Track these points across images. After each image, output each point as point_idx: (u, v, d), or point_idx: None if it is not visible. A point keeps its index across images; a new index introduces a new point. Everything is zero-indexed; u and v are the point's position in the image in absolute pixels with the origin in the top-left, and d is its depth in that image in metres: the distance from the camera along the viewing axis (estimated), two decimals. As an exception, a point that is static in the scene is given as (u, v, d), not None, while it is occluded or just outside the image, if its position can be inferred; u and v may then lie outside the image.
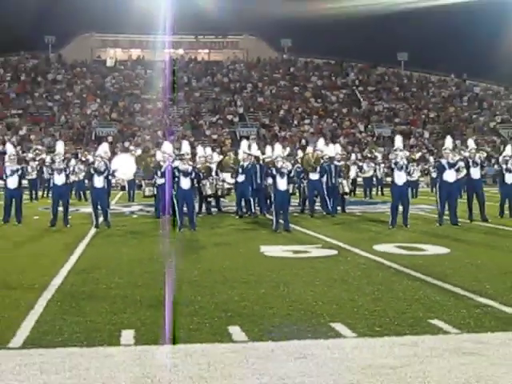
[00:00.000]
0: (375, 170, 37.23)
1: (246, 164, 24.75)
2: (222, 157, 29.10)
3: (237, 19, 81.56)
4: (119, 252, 15.48)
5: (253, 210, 24.89)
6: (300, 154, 27.85)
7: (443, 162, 21.38)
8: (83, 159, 31.72)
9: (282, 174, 19.94)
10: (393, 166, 21.33)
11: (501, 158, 24.94)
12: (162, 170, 21.06)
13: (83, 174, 23.85)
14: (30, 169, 33.46)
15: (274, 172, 20.20)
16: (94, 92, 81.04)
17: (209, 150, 29.03)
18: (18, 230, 20.22)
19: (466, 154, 23.01)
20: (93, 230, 19.47)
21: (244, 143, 27.34)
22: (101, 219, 20.66)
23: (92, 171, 20.80)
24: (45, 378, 6.28)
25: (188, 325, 8.14)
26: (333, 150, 27.02)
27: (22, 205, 22.62)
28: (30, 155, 38.79)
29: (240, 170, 24.65)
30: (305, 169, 24.42)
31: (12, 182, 21.63)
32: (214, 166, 25.91)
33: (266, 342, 7.53)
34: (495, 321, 8.53)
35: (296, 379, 6.23)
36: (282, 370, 6.48)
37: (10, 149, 23.59)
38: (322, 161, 24.75)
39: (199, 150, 27.60)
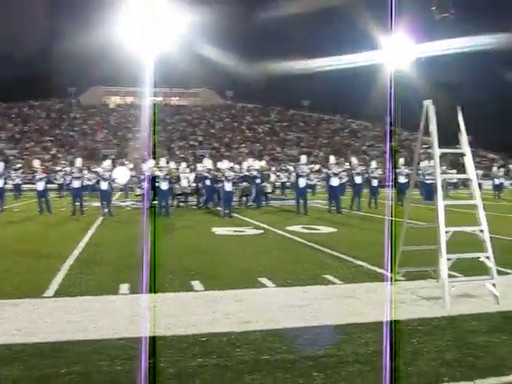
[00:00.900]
0: (288, 177, 37.60)
1: (203, 173, 24.95)
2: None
3: (198, 77, 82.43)
4: (118, 232, 15.38)
5: (208, 204, 24.98)
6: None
7: (329, 172, 21.81)
8: (94, 170, 31.59)
9: (227, 180, 20.10)
10: (299, 174, 21.64)
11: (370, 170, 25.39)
12: (148, 176, 21.16)
13: (94, 180, 24.32)
14: (57, 176, 33.54)
15: (223, 178, 20.36)
16: (101, 125, 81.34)
17: (178, 163, 29.23)
18: (49, 218, 19.94)
19: (348, 167, 23.33)
20: (100, 218, 19.30)
21: (205, 160, 27.52)
22: (105, 210, 20.57)
23: (99, 178, 21.10)
24: (68, 316, 6.26)
25: (164, 280, 8.12)
26: (260, 164, 27.43)
27: (51, 201, 22.53)
28: (58, 168, 38.87)
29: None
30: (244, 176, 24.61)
31: (40, 186, 21.89)
32: (181, 175, 26.03)
33: (216, 291, 7.55)
34: (366, 275, 8.65)
35: (236, 315, 6.27)
36: (227, 309, 6.51)
37: (35, 164, 24.13)
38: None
39: (172, 164, 27.55)
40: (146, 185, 21.47)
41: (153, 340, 5.34)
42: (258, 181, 24.98)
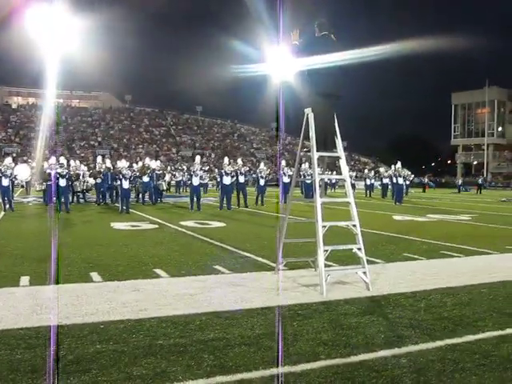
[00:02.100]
0: (183, 176, 37.48)
1: (103, 171, 24.42)
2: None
3: (98, 81, 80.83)
4: (20, 227, 14.73)
5: (106, 201, 24.49)
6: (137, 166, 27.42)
7: (223, 171, 21.93)
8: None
9: (125, 178, 19.74)
10: (191, 173, 21.65)
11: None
12: (49, 173, 20.44)
13: None
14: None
15: (121, 177, 19.95)
16: (3, 124, 77.79)
17: (78, 162, 28.36)
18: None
19: (235, 167, 23.50)
20: (2, 213, 18.41)
21: (100, 158, 26.82)
22: (7, 206, 19.68)
23: (1, 175, 20.11)
24: (-33, 308, 5.92)
25: (64, 272, 7.86)
26: (156, 164, 27.15)
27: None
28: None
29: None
30: (141, 174, 24.16)
31: None
32: (81, 172, 25.33)
33: (114, 281, 7.40)
34: (252, 266, 8.73)
35: (132, 303, 6.16)
36: (124, 299, 6.39)
37: None
38: (149, 170, 24.70)
39: (72, 162, 26.74)
40: (46, 182, 20.79)
41: (52, 329, 5.16)
42: (150, 181, 24.77)
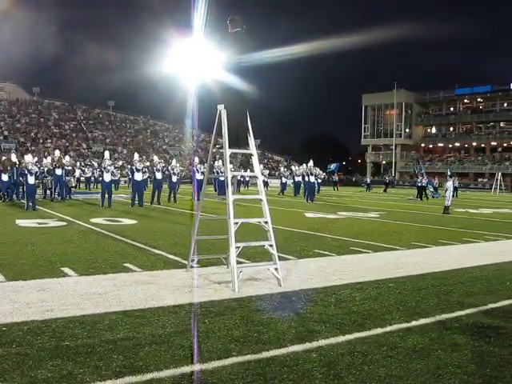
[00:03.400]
0: (93, 172, 36.68)
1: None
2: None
3: (3, 71, 77.42)
4: None
5: (12, 197, 23.55)
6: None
7: (133, 167, 21.63)
8: None
9: (31, 174, 19.05)
10: (103, 169, 21.23)
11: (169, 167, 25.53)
12: None
13: None
14: None
15: (26, 172, 19.23)
16: None
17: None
18: None
19: (148, 164, 23.27)
20: None
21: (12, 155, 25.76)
22: None
23: None
24: None
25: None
26: (65, 159, 26.40)
27: None
28: None
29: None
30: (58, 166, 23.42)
31: None
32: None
33: (18, 281, 7.10)
34: (164, 263, 8.64)
35: (38, 304, 5.94)
36: (28, 299, 6.15)
37: None
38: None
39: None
40: None
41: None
42: (62, 174, 24.00)
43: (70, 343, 4.72)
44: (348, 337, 5.05)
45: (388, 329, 5.35)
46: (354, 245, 11.22)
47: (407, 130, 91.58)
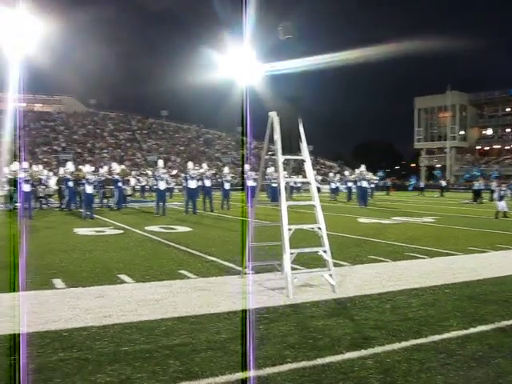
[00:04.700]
0: (148, 181, 37.26)
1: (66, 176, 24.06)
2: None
3: (61, 84, 79.93)
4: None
5: (70, 206, 24.13)
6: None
7: (187, 176, 21.84)
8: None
9: (89, 183, 19.47)
10: (156, 177, 21.55)
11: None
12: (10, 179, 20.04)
13: None
14: None
15: (84, 181, 19.67)
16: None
17: (41, 167, 27.98)
18: None
19: (202, 171, 23.47)
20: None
21: (67, 164, 26.43)
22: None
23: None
24: None
25: (26, 279, 7.69)
26: (121, 168, 27.01)
27: None
28: None
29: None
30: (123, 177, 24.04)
31: None
32: (44, 178, 24.93)
33: (78, 288, 7.28)
34: (218, 270, 8.70)
35: (96, 310, 6.07)
36: (88, 305, 6.29)
37: None
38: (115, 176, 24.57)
39: (34, 167, 26.29)
40: (8, 187, 20.38)
41: (14, 337, 5.04)
42: (119, 184, 24.48)
43: (128, 348, 4.81)
44: (404, 344, 4.97)
45: (445, 336, 5.23)
46: (408, 250, 11.04)
47: (461, 133, 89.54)
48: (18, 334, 5.12)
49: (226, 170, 26.59)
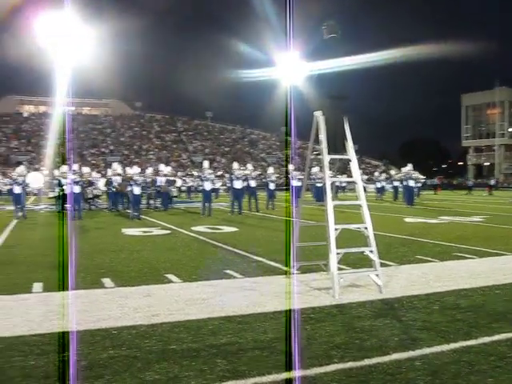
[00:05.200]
0: (193, 182, 37.61)
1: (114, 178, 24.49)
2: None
3: (108, 88, 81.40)
4: (32, 234, 14.80)
5: (118, 207, 24.56)
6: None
7: (233, 176, 21.91)
8: (8, 175, 30.64)
9: (137, 184, 19.75)
10: (202, 178, 21.70)
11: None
12: (60, 181, 20.49)
13: (9, 185, 23.54)
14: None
15: (132, 183, 19.98)
16: (15, 133, 78.44)
17: (89, 169, 28.54)
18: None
19: (247, 172, 23.51)
20: (15, 221, 18.53)
21: (114, 165, 26.89)
22: (19, 214, 19.82)
23: (13, 183, 20.33)
24: (-19, 315, 5.94)
25: (76, 278, 7.86)
26: (167, 170, 27.32)
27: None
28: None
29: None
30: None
31: None
32: (93, 179, 25.48)
33: (126, 287, 7.40)
34: (264, 270, 8.71)
35: (144, 309, 6.16)
36: (136, 304, 6.39)
37: None
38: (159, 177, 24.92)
39: (83, 169, 26.82)
40: (58, 189, 20.85)
41: (65, 335, 5.16)
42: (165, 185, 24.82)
43: (175, 347, 4.86)
44: (453, 345, 4.88)
45: (496, 338, 5.11)
46: (456, 250, 10.84)
47: (510, 130, 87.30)
48: (70, 332, 5.24)
49: (270, 170, 26.61)
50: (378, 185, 36.53)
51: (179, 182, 32.38)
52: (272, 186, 25.26)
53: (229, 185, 24.12)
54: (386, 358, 4.55)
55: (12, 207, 21.01)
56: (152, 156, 76.04)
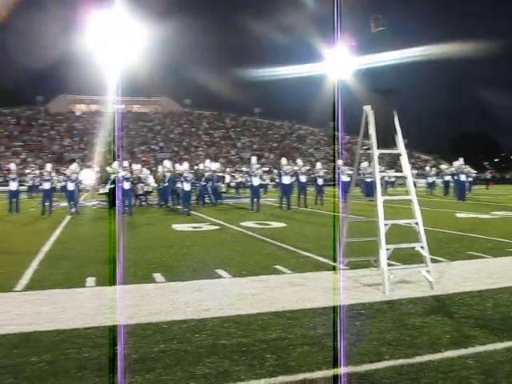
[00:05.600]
0: (242, 177, 37.79)
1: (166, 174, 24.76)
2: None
3: (157, 86, 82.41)
4: (85, 230, 15.15)
5: (168, 203, 24.87)
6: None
7: (281, 171, 21.87)
8: (62, 172, 31.45)
9: (186, 181, 19.96)
10: (250, 173, 21.76)
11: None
12: (112, 178, 20.86)
13: (62, 181, 24.12)
14: (27, 179, 32.89)
15: (182, 179, 20.21)
16: (68, 132, 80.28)
17: (140, 166, 29.03)
18: (20, 217, 19.58)
19: (296, 168, 23.44)
20: (68, 217, 18.99)
21: (165, 162, 27.19)
22: (73, 210, 20.30)
23: (67, 180, 20.84)
24: (38, 308, 6.10)
25: (128, 273, 8.00)
26: (215, 166, 27.45)
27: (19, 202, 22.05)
28: (27, 171, 38.25)
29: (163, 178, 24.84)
30: (198, 177, 24.41)
31: (13, 186, 21.72)
32: (143, 176, 25.88)
33: (177, 282, 7.48)
34: (313, 265, 8.67)
35: (195, 303, 6.21)
36: (187, 298, 6.45)
37: (12, 166, 23.10)
38: (207, 173, 25.04)
39: (134, 166, 27.26)
40: (109, 185, 21.24)
41: (117, 328, 5.26)
42: (215, 181, 25.02)
43: (225, 342, 4.89)
44: (507, 344, 4.76)
45: (552, 336, 4.97)
46: (510, 246, 10.54)
47: None
48: (122, 326, 5.34)
49: (318, 165, 26.48)
50: (430, 179, 35.89)
51: (228, 178, 32.59)
52: (320, 182, 25.14)
53: (277, 180, 24.12)
54: (438, 356, 4.47)
55: (66, 204, 21.52)
56: (201, 152, 76.69)
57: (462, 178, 27.98)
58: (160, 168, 27.23)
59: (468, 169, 30.74)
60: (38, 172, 30.15)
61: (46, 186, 20.84)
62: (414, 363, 4.32)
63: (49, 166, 22.41)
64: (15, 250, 11.07)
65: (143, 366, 4.35)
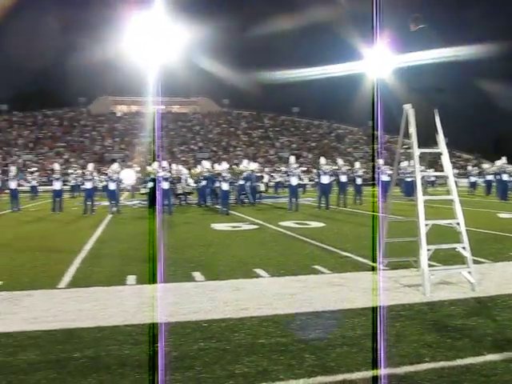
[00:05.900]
0: (281, 177, 37.76)
1: (205, 174, 24.88)
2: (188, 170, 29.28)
3: (196, 87, 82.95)
4: (126, 228, 15.33)
5: (207, 203, 25.02)
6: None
7: (320, 171, 21.77)
8: (103, 172, 31.96)
9: (225, 180, 20.05)
10: (289, 173, 21.72)
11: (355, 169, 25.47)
12: (151, 177, 21.11)
13: (104, 181, 24.48)
14: (70, 179, 33.52)
15: (220, 179, 20.32)
16: (110, 132, 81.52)
17: (180, 166, 29.23)
18: (63, 216, 20.01)
19: (335, 167, 23.34)
20: (109, 216, 19.29)
21: (203, 162, 27.36)
22: (114, 209, 20.61)
23: (108, 179, 21.15)
24: (80, 305, 6.22)
25: (168, 271, 8.07)
26: (254, 166, 27.46)
27: (63, 201, 22.44)
28: (70, 171, 38.96)
29: (202, 178, 24.95)
30: (235, 176, 24.48)
31: (57, 186, 22.27)
32: (183, 176, 26.09)
33: (216, 280, 7.52)
34: (352, 265, 8.61)
35: (233, 302, 6.24)
36: (226, 297, 6.48)
37: (56, 166, 23.56)
38: (245, 172, 25.08)
39: (174, 166, 27.50)
40: (150, 185, 21.48)
41: (158, 326, 5.31)
42: (254, 181, 25.06)
43: (264, 341, 4.90)
44: (553, 347, 4.65)
45: None
46: (555, 247, 10.30)
47: None
48: (162, 323, 5.39)
49: (357, 165, 26.31)
50: (472, 179, 35.23)
51: (266, 178, 32.61)
52: (359, 181, 24.96)
53: (316, 180, 24.02)
54: (480, 359, 4.39)
55: (107, 203, 21.87)
56: (240, 152, 76.90)
57: (505, 177, 27.40)
58: (199, 168, 27.43)
59: (510, 168, 30.08)
60: (80, 172, 30.66)
61: (88, 185, 21.20)
62: (455, 366, 4.25)
63: (91, 166, 22.79)
64: (58, 248, 11.29)
65: (183, 363, 4.39)
